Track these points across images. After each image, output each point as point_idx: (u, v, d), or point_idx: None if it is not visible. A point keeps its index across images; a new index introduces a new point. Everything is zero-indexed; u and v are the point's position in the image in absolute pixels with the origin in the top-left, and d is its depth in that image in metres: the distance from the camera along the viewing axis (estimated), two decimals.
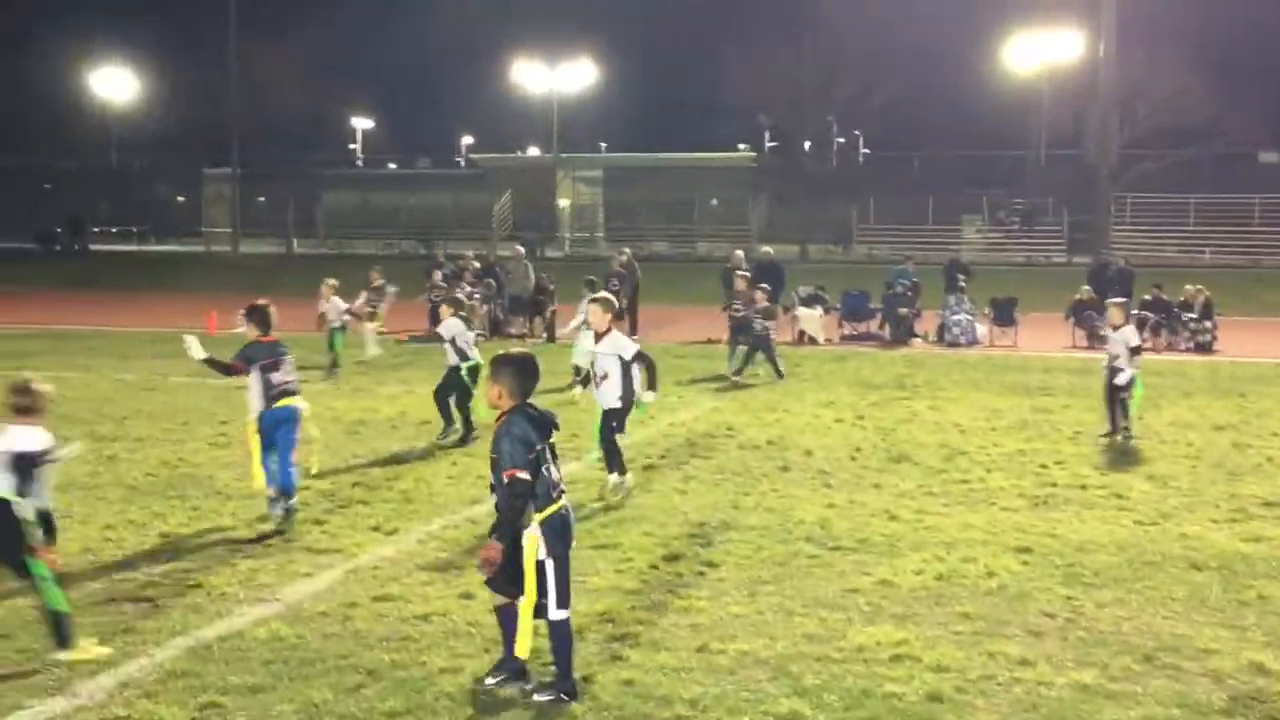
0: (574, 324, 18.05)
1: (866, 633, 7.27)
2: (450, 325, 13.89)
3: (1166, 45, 57.80)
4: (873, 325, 27.15)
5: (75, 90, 78.99)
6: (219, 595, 7.98)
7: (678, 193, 71.46)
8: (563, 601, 6.25)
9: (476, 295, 25.84)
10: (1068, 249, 58.67)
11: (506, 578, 6.21)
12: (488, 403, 6.39)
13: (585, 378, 13.06)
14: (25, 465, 6.68)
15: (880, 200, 65.89)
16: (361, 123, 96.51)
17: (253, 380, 9.97)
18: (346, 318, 20.41)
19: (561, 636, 6.27)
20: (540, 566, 6.17)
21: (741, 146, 78.16)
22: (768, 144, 77.70)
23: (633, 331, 26.46)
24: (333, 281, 20.69)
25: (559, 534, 6.25)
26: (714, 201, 72.57)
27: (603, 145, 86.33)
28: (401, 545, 9.19)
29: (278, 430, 9.92)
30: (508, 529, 6.11)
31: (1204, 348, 24.31)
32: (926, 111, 70.61)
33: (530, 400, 6.34)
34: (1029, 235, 62.93)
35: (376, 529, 9.70)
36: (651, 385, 11.19)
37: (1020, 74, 64.51)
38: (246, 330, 10.17)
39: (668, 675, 6.59)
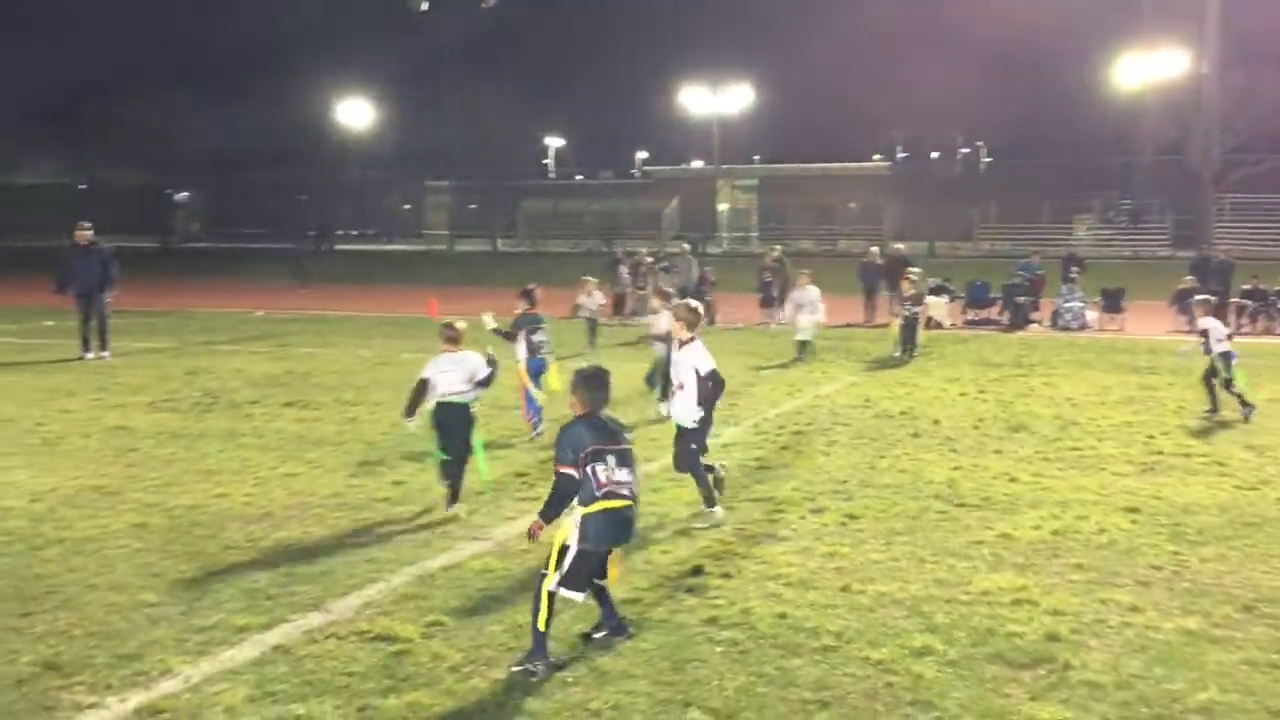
0: (788, 311, 18.85)
1: (990, 579, 7.06)
2: (665, 318, 12.63)
3: (1266, 62, 54.45)
4: (993, 312, 26.38)
5: (324, 118, 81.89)
6: (441, 533, 8.18)
7: (821, 198, 70.71)
8: (568, 584, 5.71)
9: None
10: (1172, 244, 55.96)
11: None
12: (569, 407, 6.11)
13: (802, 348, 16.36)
14: (485, 379, 8.91)
15: (1000, 202, 63.92)
16: (554, 141, 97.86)
17: (520, 340, 11.89)
18: (599, 311, 20.40)
19: (546, 606, 5.68)
20: (564, 550, 5.73)
21: (876, 157, 76.68)
22: (899, 154, 76.03)
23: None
24: (593, 279, 20.47)
25: (600, 530, 5.75)
26: (852, 205, 71.46)
27: (756, 158, 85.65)
28: None
29: (536, 376, 11.88)
30: (551, 513, 5.81)
31: None
32: (1042, 123, 68.06)
33: (601, 411, 6.01)
34: (1135, 232, 60.20)
35: None
36: (701, 403, 8.57)
37: (1128, 88, 61.56)
38: (521, 306, 12.26)
39: (816, 610, 6.51)
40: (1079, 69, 64.11)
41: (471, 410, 8.84)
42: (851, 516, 8.60)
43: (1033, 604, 6.62)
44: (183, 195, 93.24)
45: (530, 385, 11.78)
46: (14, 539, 7.92)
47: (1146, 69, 59.05)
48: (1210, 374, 13.09)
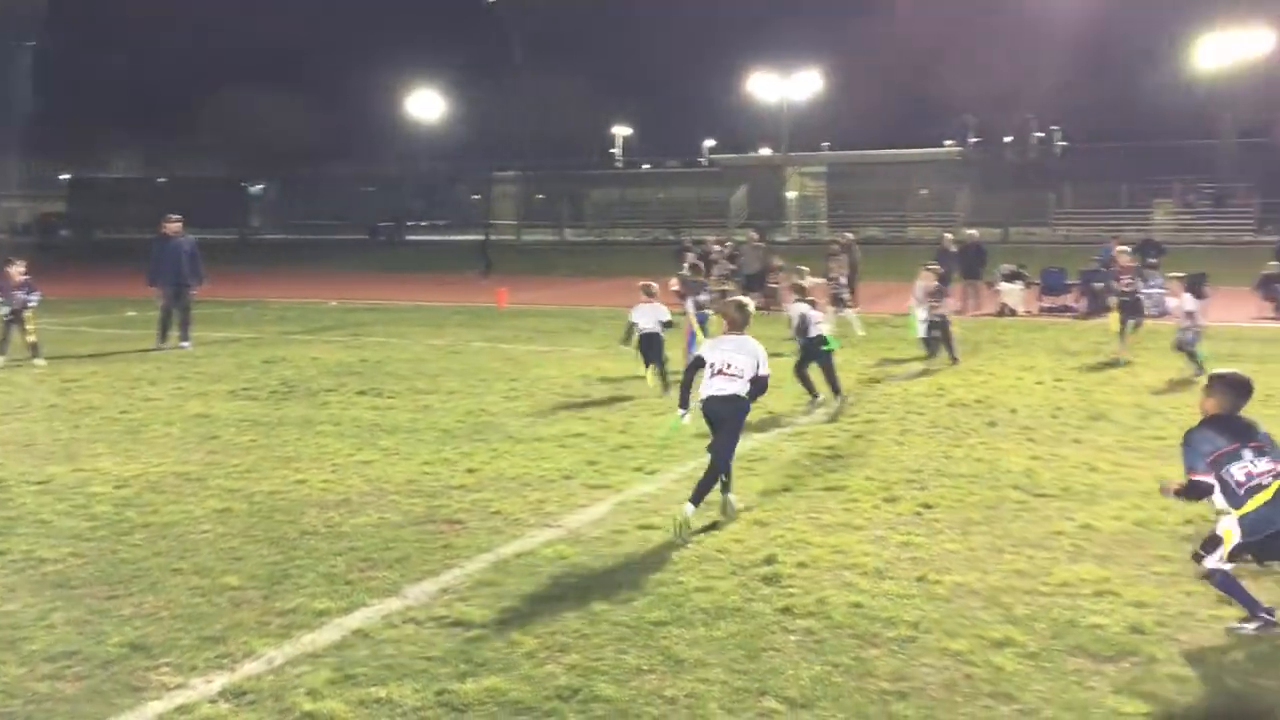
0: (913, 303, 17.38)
1: (1071, 570, 6.93)
2: (795, 308, 13.37)
3: None
4: (1069, 299, 25.88)
5: (395, 111, 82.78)
6: (514, 520, 8.23)
7: (891, 184, 69.90)
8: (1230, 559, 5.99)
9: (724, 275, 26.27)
10: (1256, 228, 54.45)
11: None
12: None
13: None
14: (668, 322, 13.73)
15: (1076, 186, 62.69)
16: (621, 130, 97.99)
17: (689, 305, 15.94)
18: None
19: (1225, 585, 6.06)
20: (1218, 539, 5.94)
21: (948, 142, 75.58)
22: (971, 139, 74.83)
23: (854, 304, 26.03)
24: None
25: (1256, 523, 5.83)
26: (923, 191, 70.59)
27: (825, 144, 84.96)
28: (660, 484, 9.28)
29: (702, 325, 15.59)
30: (1187, 498, 6.25)
31: None
32: (1119, 106, 66.57)
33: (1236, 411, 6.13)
34: (1218, 216, 58.66)
35: (639, 469, 9.82)
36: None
37: (1211, 69, 59.85)
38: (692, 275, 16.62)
39: (892, 600, 6.45)
40: (1158, 50, 62.61)
41: (661, 337, 13.62)
42: (927, 506, 8.50)
43: (1115, 595, 6.49)
44: (257, 188, 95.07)
45: (696, 330, 15.42)
46: (100, 524, 8.13)
47: (1230, 49, 57.39)
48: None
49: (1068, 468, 9.71)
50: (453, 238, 78.76)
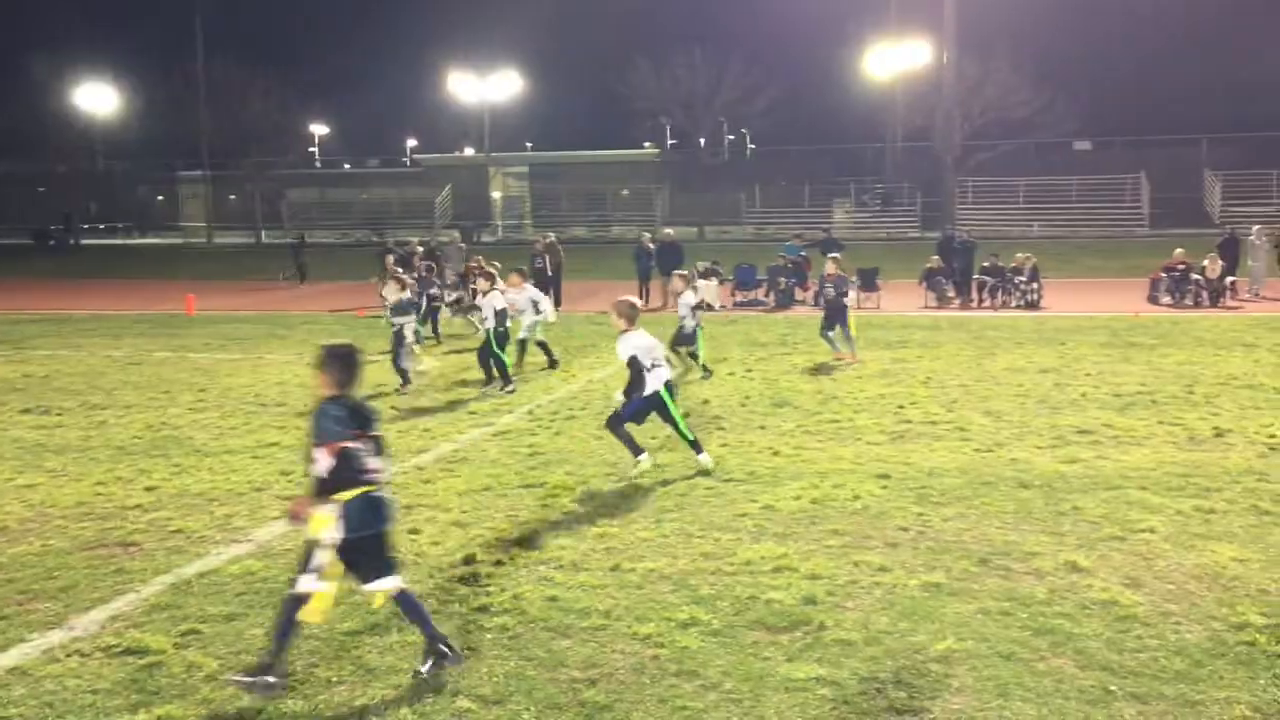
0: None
1: (753, 549, 7.34)
2: (492, 299, 14.28)
3: (998, 53, 58.55)
4: (760, 293, 27.34)
5: (63, 104, 76.16)
6: (198, 538, 7.81)
7: (593, 184, 71.36)
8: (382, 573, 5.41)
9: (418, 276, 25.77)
10: (920, 226, 59.54)
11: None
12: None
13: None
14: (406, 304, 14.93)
15: (764, 187, 66.39)
16: (319, 128, 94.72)
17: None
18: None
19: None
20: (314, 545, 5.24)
21: (646, 144, 77.95)
22: (669, 141, 77.59)
23: (557, 304, 26.37)
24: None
25: (363, 515, 5.31)
26: (625, 191, 72.49)
27: (528, 145, 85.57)
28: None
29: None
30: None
31: (1032, 305, 24.78)
32: (801, 111, 71.17)
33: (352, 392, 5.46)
34: (888, 215, 63.74)
35: None
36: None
37: (879, 78, 64.80)
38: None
39: (586, 591, 6.60)
40: (834, 59, 67.29)
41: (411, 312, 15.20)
42: (622, 496, 8.75)
43: (792, 570, 6.92)
44: None
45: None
46: None
47: (894, 60, 62.40)
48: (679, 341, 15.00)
49: (753, 453, 10.27)
50: (135, 241, 73.61)
